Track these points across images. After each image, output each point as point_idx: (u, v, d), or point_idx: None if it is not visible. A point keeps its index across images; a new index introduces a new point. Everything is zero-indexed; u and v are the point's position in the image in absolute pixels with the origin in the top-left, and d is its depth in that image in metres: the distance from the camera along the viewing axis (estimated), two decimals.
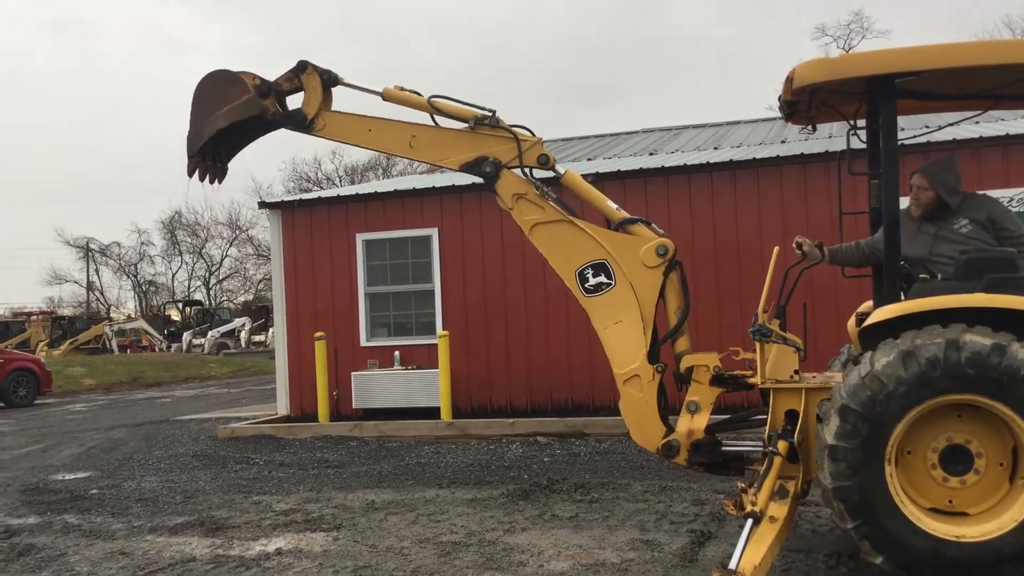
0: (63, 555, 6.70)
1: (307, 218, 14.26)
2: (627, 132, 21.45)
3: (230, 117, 6.39)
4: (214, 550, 6.61)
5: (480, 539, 6.57)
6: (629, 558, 5.88)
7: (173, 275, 68.15)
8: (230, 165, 6.97)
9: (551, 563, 5.85)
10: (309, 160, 59.58)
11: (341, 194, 14.82)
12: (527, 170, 6.16)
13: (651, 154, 16.30)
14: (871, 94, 5.40)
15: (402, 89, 6.35)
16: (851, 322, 5.90)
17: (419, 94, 6.34)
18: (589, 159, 16.91)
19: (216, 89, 6.45)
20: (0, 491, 9.62)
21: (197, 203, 67.37)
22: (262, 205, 15.44)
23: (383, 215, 13.88)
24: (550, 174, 6.17)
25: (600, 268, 5.89)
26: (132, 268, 67.56)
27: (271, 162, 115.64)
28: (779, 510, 5.06)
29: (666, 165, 12.88)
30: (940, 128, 7.41)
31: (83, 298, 68.26)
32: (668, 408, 5.90)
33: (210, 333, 47.46)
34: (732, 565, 4.66)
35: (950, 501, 4.84)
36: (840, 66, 5.27)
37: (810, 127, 6.15)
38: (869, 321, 5.15)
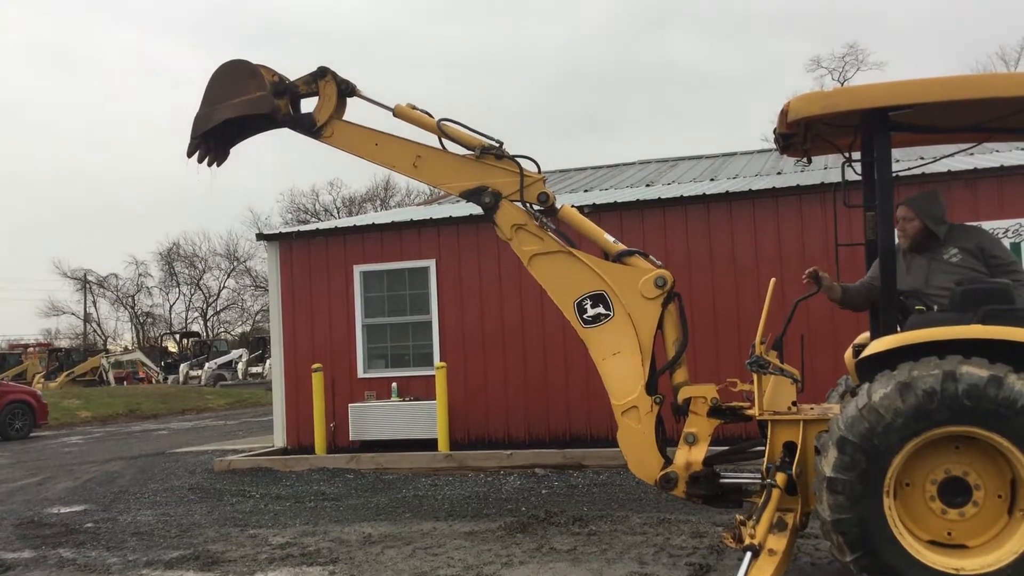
0: None
1: (305, 250, 14.29)
2: (624, 163, 21.57)
3: (241, 109, 6.42)
4: None
5: (478, 572, 6.53)
6: None
7: (171, 306, 68.08)
8: (233, 150, 6.96)
9: None
10: (307, 191, 59.74)
11: (339, 226, 14.85)
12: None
13: (648, 185, 16.38)
14: (866, 127, 5.45)
15: (413, 108, 6.40)
16: (848, 354, 5.91)
17: (430, 115, 6.39)
18: (586, 190, 16.97)
19: (234, 78, 6.48)
20: None
21: (195, 235, 67.46)
22: (260, 237, 15.46)
23: (380, 247, 13.90)
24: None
25: (599, 299, 5.89)
26: (129, 300, 67.51)
27: (269, 193, 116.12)
28: (778, 543, 5.04)
29: (663, 197, 12.93)
30: (935, 160, 7.46)
31: (80, 330, 68.14)
32: (666, 440, 5.88)
33: (207, 365, 47.29)
34: None
35: (949, 533, 4.83)
36: (834, 99, 5.32)
37: (805, 159, 6.20)
38: (866, 353, 5.16)
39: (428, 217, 14.03)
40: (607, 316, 5.87)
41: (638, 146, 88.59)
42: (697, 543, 7.12)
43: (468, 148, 6.24)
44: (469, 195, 6.20)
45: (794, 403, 5.56)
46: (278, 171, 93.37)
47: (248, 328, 65.02)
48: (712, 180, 15.74)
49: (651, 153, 21.15)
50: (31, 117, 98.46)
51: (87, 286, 66.73)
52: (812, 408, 5.76)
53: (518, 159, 6.18)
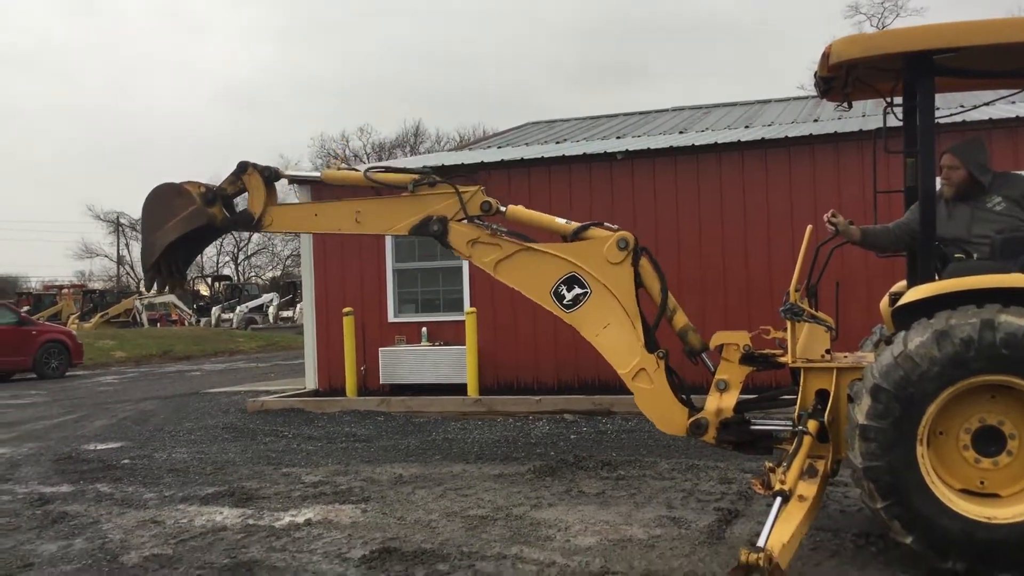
0: (96, 523, 6.81)
1: (336, 194, 14.27)
2: (656, 111, 21.32)
3: (179, 229, 6.54)
4: (244, 520, 6.69)
5: (507, 514, 6.60)
6: (656, 535, 5.89)
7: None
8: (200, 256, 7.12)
9: (578, 538, 5.88)
10: (336, 137, 59.58)
11: (372, 166, 14.80)
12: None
13: (681, 132, 16.20)
14: (909, 71, 5.34)
15: (340, 168, 6.48)
16: (884, 302, 5.86)
17: (356, 169, 6.46)
18: (618, 137, 16.82)
19: (163, 203, 6.60)
20: (33, 460, 9.77)
21: None
22: (291, 180, 15.43)
23: None
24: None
25: (572, 281, 5.89)
26: None
27: (299, 139, 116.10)
28: (808, 489, 5.04)
29: (696, 144, 12.79)
30: (975, 107, 7.33)
31: (113, 272, 68.98)
32: (685, 388, 5.89)
33: (239, 308, 47.80)
34: (760, 543, 4.65)
35: (981, 482, 4.82)
36: (878, 42, 5.21)
37: (846, 104, 6.09)
38: (903, 301, 5.11)
39: (459, 162, 13.98)
40: (585, 294, 5.87)
41: (672, 95, 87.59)
42: (725, 489, 7.16)
43: (400, 187, 6.30)
44: (417, 229, 6.21)
45: (827, 351, 5.53)
46: (308, 117, 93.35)
47: (278, 273, 65.56)
48: (747, 127, 15.53)
49: (684, 102, 20.89)
50: (58, 60, 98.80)
51: (120, 229, 67.38)
52: (846, 356, 5.73)
53: (450, 180, 6.23)
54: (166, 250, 6.58)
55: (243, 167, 6.53)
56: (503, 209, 6.15)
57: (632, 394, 5.85)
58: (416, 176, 6.22)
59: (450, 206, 6.14)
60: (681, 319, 5.88)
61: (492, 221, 6.19)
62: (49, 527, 6.74)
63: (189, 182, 6.59)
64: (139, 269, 68.49)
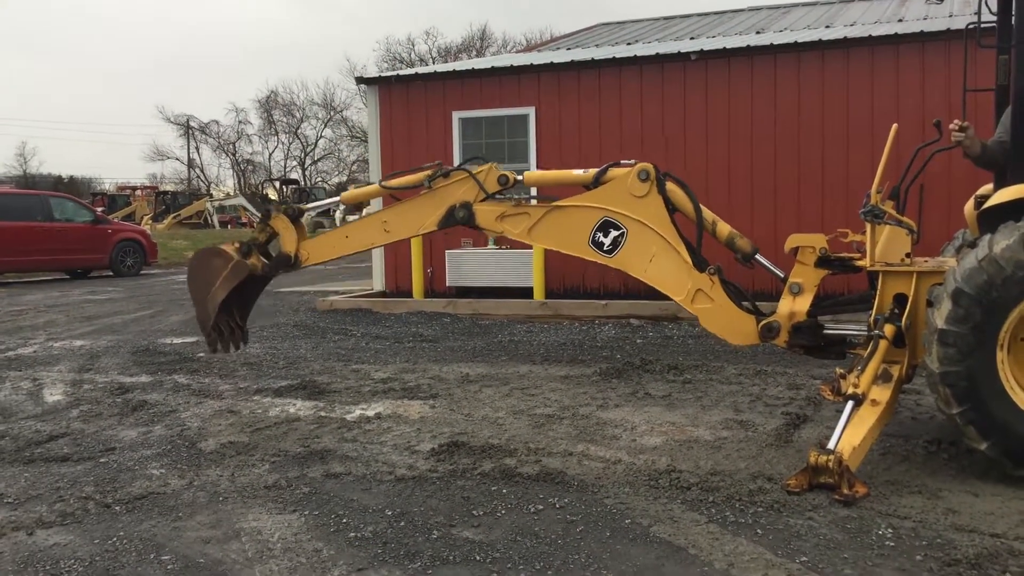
0: (174, 411, 7.03)
1: (404, 95, 14.21)
2: (732, 10, 20.61)
3: (226, 288, 6.80)
4: (317, 412, 6.86)
5: (573, 413, 6.66)
6: (723, 436, 5.89)
7: (269, 154, 69.42)
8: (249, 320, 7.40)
9: (644, 438, 5.91)
10: (403, 40, 59.21)
11: (438, 71, 14.68)
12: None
13: (758, 32, 15.67)
14: None
15: (356, 186, 6.51)
16: (969, 205, 5.67)
17: (370, 183, 6.64)
18: (692, 38, 16.35)
19: (204, 267, 6.92)
20: (113, 352, 10.09)
21: (293, 83, 67.87)
22: (360, 81, 15.41)
23: (480, 93, 13.73)
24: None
25: (607, 226, 5.91)
26: (231, 146, 68.93)
27: (365, 41, 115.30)
28: (882, 394, 4.99)
29: (775, 43, 12.35)
30: None
31: (184, 175, 70.17)
32: (746, 295, 5.86)
33: (306, 212, 48.36)
34: (831, 445, 4.64)
35: None
36: None
37: None
38: (990, 203, 4.94)
39: (529, 63, 13.74)
40: (622, 235, 5.88)
41: None
42: (794, 394, 7.11)
43: (417, 186, 6.43)
44: (445, 221, 6.36)
45: (908, 255, 5.38)
46: (374, 20, 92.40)
47: (344, 178, 65.98)
48: (828, 27, 14.97)
49: (760, 1, 20.05)
50: None
51: (190, 132, 68.27)
52: (926, 261, 5.58)
53: (462, 167, 6.32)
54: (220, 309, 6.85)
55: (267, 214, 6.92)
56: (520, 178, 6.28)
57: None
58: (428, 172, 6.33)
59: (469, 190, 6.26)
60: (724, 229, 5.81)
61: (512, 191, 6.30)
62: (129, 414, 6.97)
63: (224, 243, 6.98)
64: (209, 172, 69.27)
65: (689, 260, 5.72)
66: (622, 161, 6.04)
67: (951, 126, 5.20)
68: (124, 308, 14.83)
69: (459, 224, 6.36)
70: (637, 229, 5.83)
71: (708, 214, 5.82)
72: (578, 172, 6.16)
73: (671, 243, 5.76)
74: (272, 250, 7.04)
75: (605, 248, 5.94)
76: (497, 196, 6.26)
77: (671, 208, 5.81)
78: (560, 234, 6.10)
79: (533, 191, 10.51)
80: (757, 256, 5.80)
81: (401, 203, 6.58)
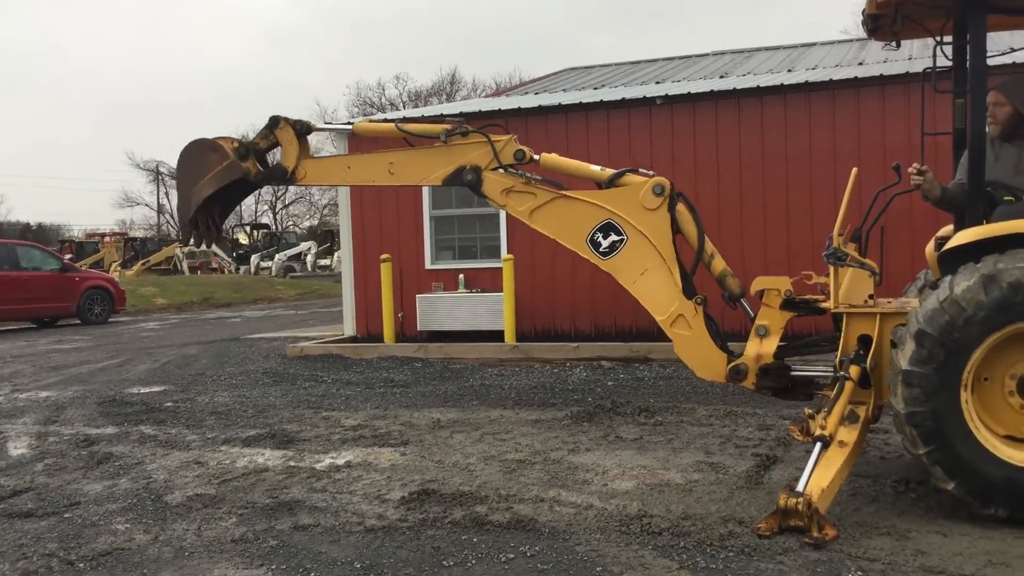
0: (140, 463, 6.94)
1: (373, 141, 14.22)
2: (697, 55, 20.94)
3: (214, 184, 6.55)
4: (286, 461, 6.79)
5: (545, 458, 6.64)
6: (694, 479, 5.89)
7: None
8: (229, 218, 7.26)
9: (615, 482, 5.90)
10: (373, 85, 59.52)
11: (407, 116, 14.77)
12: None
13: (722, 77, 15.92)
14: (959, 7, 5.18)
15: (372, 120, 6.33)
16: (930, 246, 5.75)
17: (389, 121, 6.34)
18: (657, 82, 16.57)
19: (198, 158, 6.61)
20: (79, 403, 9.96)
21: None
22: (329, 127, 15.44)
23: None
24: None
25: (608, 228, 5.84)
26: None
27: (335, 86, 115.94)
28: (849, 434, 5.01)
29: (738, 87, 12.56)
30: None
31: (154, 220, 69.76)
32: (722, 335, 5.84)
33: (277, 256, 48.22)
34: (800, 488, 4.65)
35: None
36: None
37: (894, 44, 5.93)
38: (950, 245, 5.01)
39: (496, 108, 13.86)
40: (622, 241, 5.81)
41: (709, 39, 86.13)
42: (764, 435, 7.13)
43: (433, 137, 6.21)
44: (451, 179, 6.15)
45: (871, 296, 5.45)
46: (344, 64, 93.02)
47: (316, 222, 65.88)
48: (790, 71, 15.22)
49: (722, 46, 20.39)
50: (97, 7, 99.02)
51: (160, 177, 67.97)
52: (889, 302, 5.65)
53: (482, 130, 6.14)
54: (202, 205, 6.62)
55: (275, 121, 6.52)
56: (537, 157, 6.10)
57: (670, 341, 5.81)
58: (448, 126, 6.17)
59: (483, 155, 6.08)
60: (719, 264, 5.81)
61: (526, 170, 6.13)
62: (95, 467, 6.87)
63: (222, 138, 6.63)
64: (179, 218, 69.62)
65: (680, 283, 5.73)
66: (640, 169, 5.96)
67: (910, 170, 5.28)
68: (91, 357, 14.67)
69: (464, 186, 6.16)
70: (637, 240, 5.79)
71: (709, 246, 5.83)
72: (595, 168, 6.06)
73: (666, 262, 5.73)
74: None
75: (601, 249, 5.88)
76: (509, 169, 6.11)
77: (675, 228, 5.79)
78: (561, 223, 5.99)
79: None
80: (742, 300, 5.83)
81: (412, 149, 6.35)
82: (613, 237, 5.83)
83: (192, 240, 6.85)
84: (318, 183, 6.62)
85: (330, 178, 6.69)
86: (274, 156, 6.73)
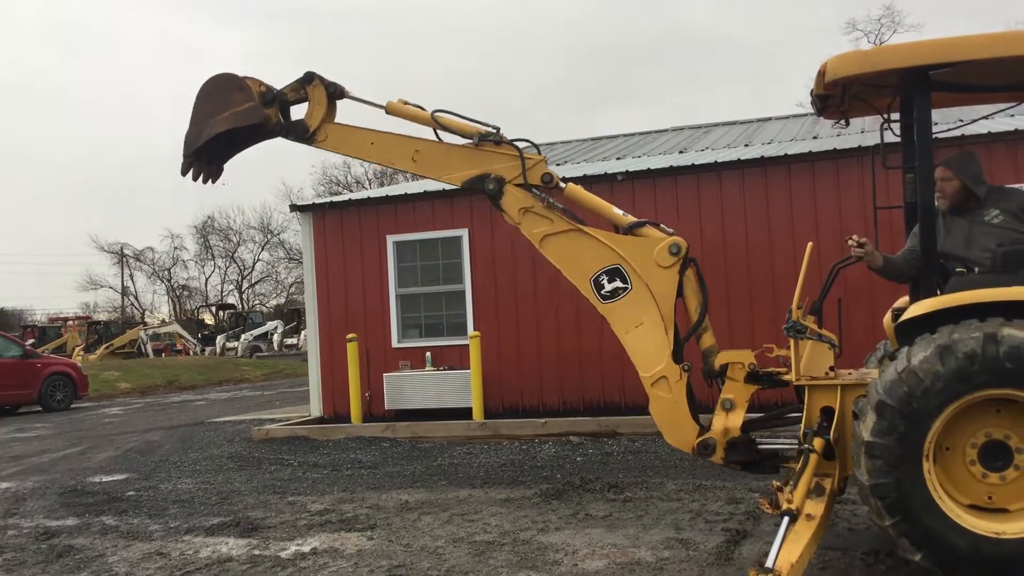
0: (101, 556, 6.78)
1: (338, 220, 14.33)
2: (656, 131, 21.36)
3: (231, 122, 6.34)
4: (250, 550, 6.66)
5: (514, 538, 6.57)
6: (664, 557, 5.85)
7: (206, 279, 68.80)
8: (227, 166, 6.94)
9: (586, 562, 5.84)
10: (339, 164, 59.84)
11: (371, 196, 14.90)
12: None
13: (681, 152, 16.23)
14: (905, 87, 5.34)
15: (406, 103, 6.31)
16: (887, 318, 5.84)
17: (423, 108, 6.30)
18: (618, 158, 16.86)
19: (221, 92, 6.40)
20: (39, 493, 9.75)
21: (229, 208, 68.06)
22: (293, 208, 15.52)
23: (413, 216, 13.92)
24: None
25: (615, 273, 5.84)
26: (166, 273, 68.30)
27: (301, 166, 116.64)
28: (816, 508, 5.02)
29: (697, 163, 12.80)
30: (974, 121, 7.34)
31: (118, 303, 69.12)
32: (698, 406, 5.86)
33: (243, 336, 47.84)
34: (769, 564, 4.62)
35: (989, 497, 4.77)
36: (873, 58, 5.21)
37: (843, 122, 6.10)
38: (905, 316, 5.09)
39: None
40: (625, 289, 5.82)
41: (667, 117, 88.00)
42: (733, 509, 7.12)
43: (465, 137, 6.16)
44: (472, 184, 6.13)
45: (832, 368, 5.50)
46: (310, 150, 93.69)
47: (283, 300, 65.61)
48: (747, 146, 15.57)
49: (682, 122, 20.87)
50: (55, 95, 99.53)
51: (124, 260, 67.58)
52: (850, 373, 5.71)
53: (516, 143, 6.10)
54: (213, 139, 6.41)
55: (309, 77, 6.37)
56: (563, 185, 6.09)
57: (638, 415, 5.82)
58: (483, 130, 6.11)
59: (510, 168, 6.05)
60: (709, 339, 5.84)
61: (549, 195, 6.10)
62: (55, 561, 6.71)
63: (250, 78, 6.40)
64: (143, 299, 68.44)
65: (671, 345, 5.74)
66: (662, 225, 5.96)
67: (849, 242, 5.41)
68: (52, 446, 14.39)
69: (484, 193, 6.10)
70: (641, 292, 5.77)
71: (704, 320, 5.88)
72: (618, 211, 6.04)
73: (664, 321, 5.73)
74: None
75: (603, 292, 5.86)
76: (533, 189, 6.07)
77: (679, 291, 5.80)
78: (570, 256, 5.96)
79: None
80: (720, 378, 5.85)
81: (442, 143, 6.23)
82: (618, 283, 5.84)
83: (191, 173, 6.58)
84: (336, 150, 6.48)
85: (351, 149, 6.52)
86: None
